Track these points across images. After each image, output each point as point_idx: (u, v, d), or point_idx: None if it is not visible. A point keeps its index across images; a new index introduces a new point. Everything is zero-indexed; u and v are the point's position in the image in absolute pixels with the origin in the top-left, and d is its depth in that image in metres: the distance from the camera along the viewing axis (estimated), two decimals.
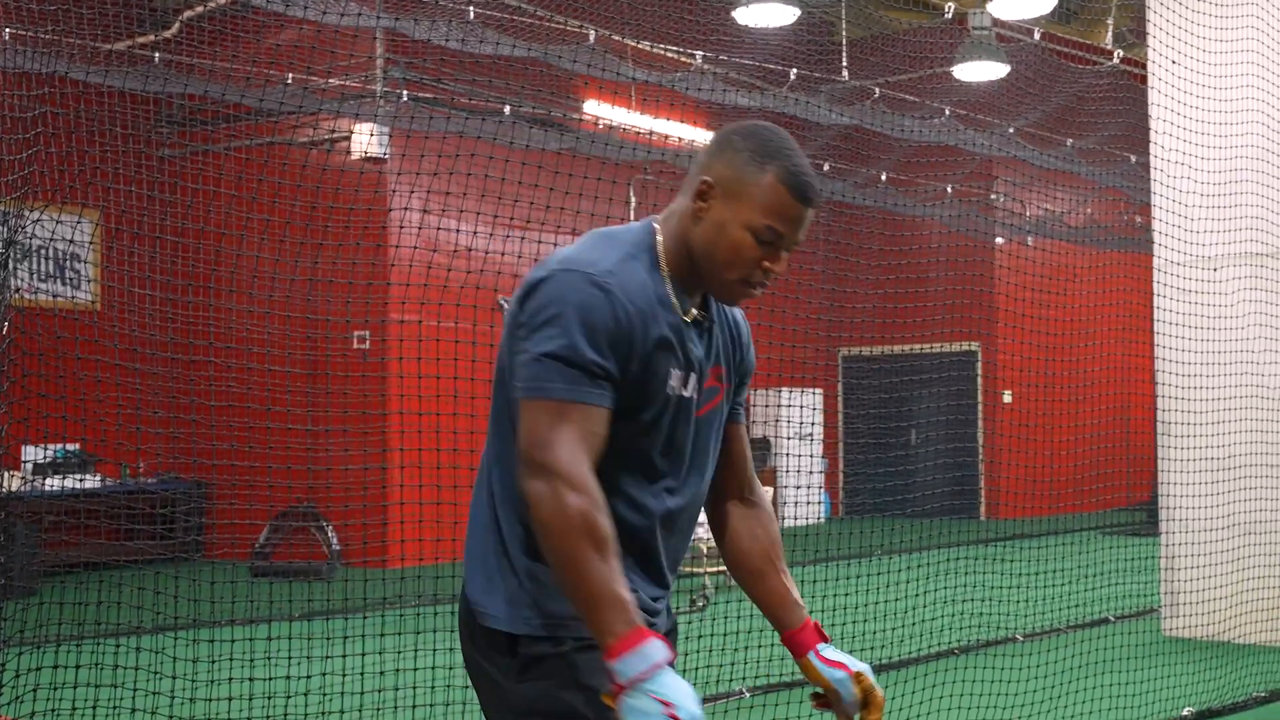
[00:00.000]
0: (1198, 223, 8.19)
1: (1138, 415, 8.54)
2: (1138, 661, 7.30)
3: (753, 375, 2.54)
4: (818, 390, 16.44)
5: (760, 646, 7.75)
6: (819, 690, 2.38)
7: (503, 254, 8.92)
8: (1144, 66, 8.61)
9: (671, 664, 2.03)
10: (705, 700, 6.35)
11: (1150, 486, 8.41)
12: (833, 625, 8.20)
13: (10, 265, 3.71)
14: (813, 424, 16.29)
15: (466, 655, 2.33)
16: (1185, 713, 6.30)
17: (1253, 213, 7.99)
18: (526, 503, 2.11)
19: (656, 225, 2.30)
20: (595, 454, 2.11)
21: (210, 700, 5.59)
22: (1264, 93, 7.97)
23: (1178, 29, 8.15)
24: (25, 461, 10.78)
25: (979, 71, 11.06)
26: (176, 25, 10.35)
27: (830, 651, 2.38)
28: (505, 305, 9.30)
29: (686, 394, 2.26)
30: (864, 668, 2.33)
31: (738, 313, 2.47)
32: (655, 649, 1.99)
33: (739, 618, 8.84)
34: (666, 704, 1.95)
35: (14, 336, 3.67)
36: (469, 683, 2.38)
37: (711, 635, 8.18)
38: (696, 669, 7.21)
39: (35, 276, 11.62)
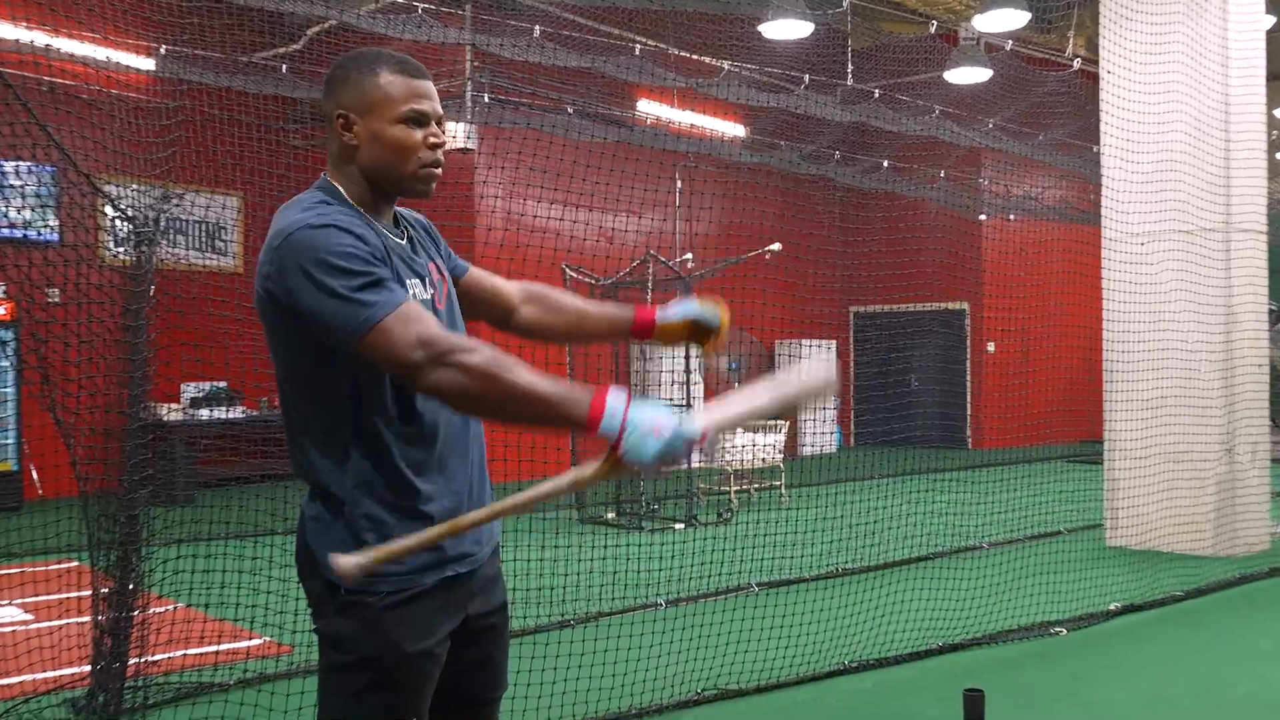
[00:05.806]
0: (1134, 204, 8.10)
1: (1097, 363, 8.54)
2: (1081, 566, 7.27)
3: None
4: (832, 341, 16.44)
5: (767, 550, 7.96)
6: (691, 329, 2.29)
7: (572, 228, 8.70)
8: (1097, 72, 8.57)
9: (629, 400, 1.81)
10: (724, 593, 6.63)
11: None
12: (841, 536, 8.35)
13: (156, 237, 3.89)
14: None
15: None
16: (1112, 606, 6.36)
17: (1178, 197, 7.87)
18: (447, 401, 1.86)
19: (330, 180, 2.03)
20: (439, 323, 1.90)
21: None
22: (1189, 99, 7.86)
23: (1124, 42, 8.07)
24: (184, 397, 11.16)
25: (966, 75, 11.03)
26: (303, 40, 10.51)
27: (670, 309, 2.29)
28: (568, 271, 9.36)
29: (426, 296, 2.02)
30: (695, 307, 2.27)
31: (419, 217, 2.24)
32: (614, 399, 1.79)
33: (752, 530, 9.07)
34: (655, 430, 1.77)
35: (158, 297, 3.87)
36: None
37: (732, 541, 8.41)
38: (721, 570, 7.28)
39: (189, 245, 12.07)
